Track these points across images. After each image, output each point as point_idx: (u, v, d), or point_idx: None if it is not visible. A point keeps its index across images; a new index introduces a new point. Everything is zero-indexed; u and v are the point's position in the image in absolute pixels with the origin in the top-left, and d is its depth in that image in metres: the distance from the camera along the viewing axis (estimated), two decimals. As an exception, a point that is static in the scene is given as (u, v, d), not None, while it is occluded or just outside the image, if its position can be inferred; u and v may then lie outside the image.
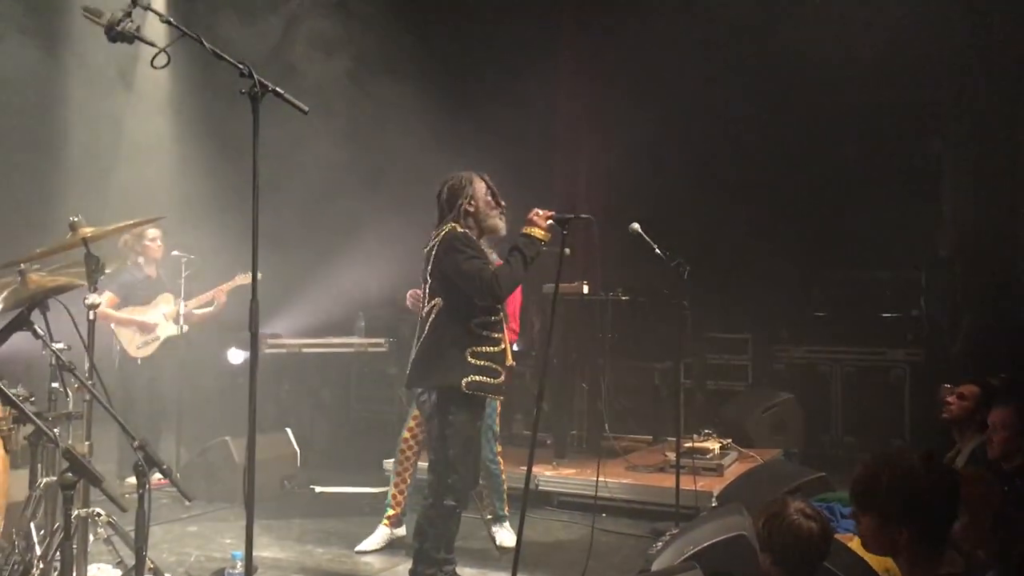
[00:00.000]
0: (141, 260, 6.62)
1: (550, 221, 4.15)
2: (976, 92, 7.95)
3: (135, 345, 6.53)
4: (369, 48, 8.21)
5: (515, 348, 5.10)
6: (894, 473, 2.54)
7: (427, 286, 4.23)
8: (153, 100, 8.07)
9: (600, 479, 5.94)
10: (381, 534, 5.25)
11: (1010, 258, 7.85)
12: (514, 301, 5.54)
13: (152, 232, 6.60)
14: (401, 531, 5.25)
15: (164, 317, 6.59)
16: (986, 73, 7.76)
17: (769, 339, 8.66)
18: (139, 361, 6.53)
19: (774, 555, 2.87)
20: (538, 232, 4.14)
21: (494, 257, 4.40)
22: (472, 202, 4.22)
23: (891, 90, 8.17)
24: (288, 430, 6.78)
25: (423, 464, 4.61)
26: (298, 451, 6.73)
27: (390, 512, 5.28)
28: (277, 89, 3.56)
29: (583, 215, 4.18)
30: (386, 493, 6.28)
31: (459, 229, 4.16)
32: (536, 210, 4.19)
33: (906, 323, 8.31)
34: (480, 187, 4.25)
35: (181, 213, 6.95)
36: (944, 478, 2.55)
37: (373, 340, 8.00)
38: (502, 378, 4.22)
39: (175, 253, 6.58)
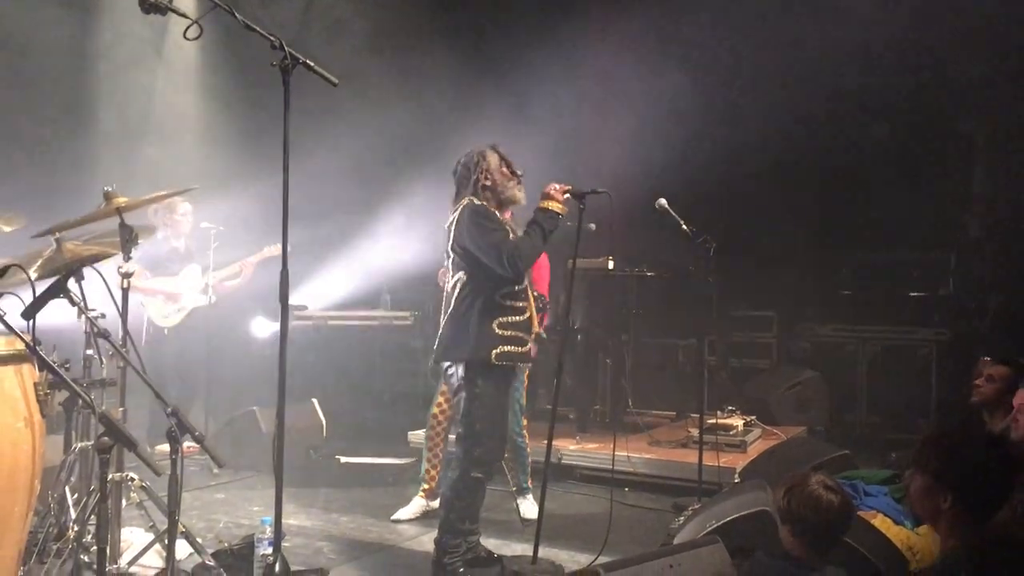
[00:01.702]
0: (169, 232, 6.69)
1: (567, 195, 4.19)
2: (1010, 70, 7.83)
3: (161, 315, 6.61)
4: (395, 21, 8.20)
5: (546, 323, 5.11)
6: (955, 439, 2.58)
7: (450, 261, 4.25)
8: (184, 71, 8.12)
9: (623, 454, 6.00)
10: (417, 505, 5.33)
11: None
12: (543, 277, 5.56)
13: (183, 207, 6.68)
14: (436, 503, 5.31)
15: (190, 288, 6.66)
16: (1020, 51, 7.63)
17: (795, 317, 8.63)
18: (166, 331, 6.62)
19: (793, 526, 2.89)
20: (555, 206, 4.17)
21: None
22: (488, 175, 4.22)
23: (923, 67, 8.06)
24: (314, 401, 6.86)
25: (453, 438, 4.65)
26: (324, 422, 6.81)
27: (425, 486, 5.35)
28: (308, 62, 3.59)
29: (600, 189, 4.19)
30: (411, 465, 6.40)
31: (477, 202, 4.18)
32: (553, 184, 4.21)
33: (934, 303, 8.25)
34: (493, 159, 4.25)
35: (210, 185, 6.99)
36: (1002, 458, 2.55)
37: (398, 313, 8.07)
38: (528, 346, 4.26)
39: (204, 225, 6.64)
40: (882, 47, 7.83)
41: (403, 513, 5.30)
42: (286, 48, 3.49)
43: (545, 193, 4.19)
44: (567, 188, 4.18)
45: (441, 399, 5.25)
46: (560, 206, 4.17)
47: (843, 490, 2.93)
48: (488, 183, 4.22)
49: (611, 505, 4.92)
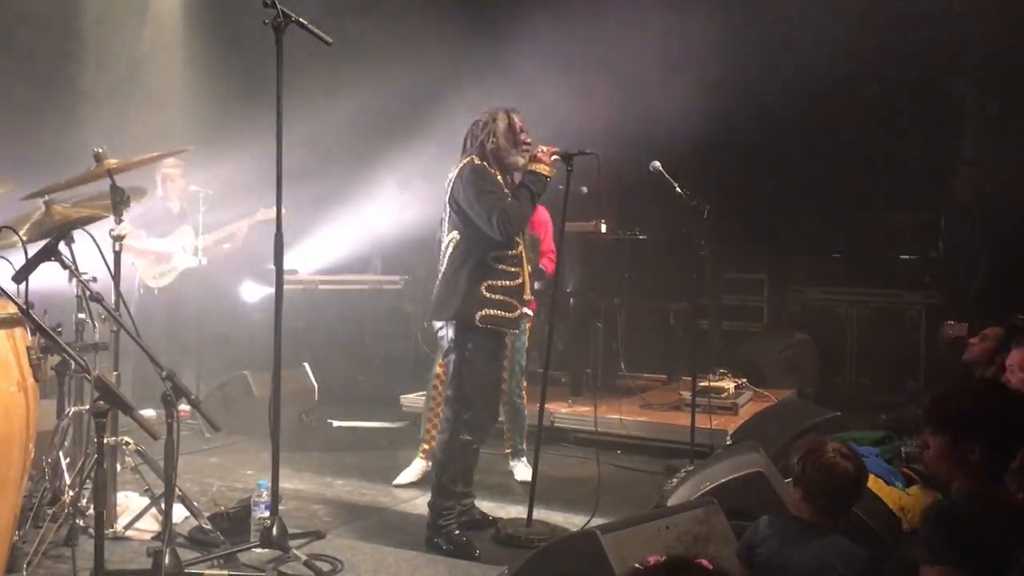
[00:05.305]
0: (161, 193, 6.65)
1: (555, 157, 4.20)
2: (1002, 33, 7.78)
3: (151, 275, 6.58)
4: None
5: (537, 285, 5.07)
6: (970, 392, 2.61)
7: (446, 219, 4.24)
8: (170, 31, 8.00)
9: (615, 417, 6.02)
10: (417, 467, 5.33)
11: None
12: (548, 232, 5.54)
13: (174, 171, 6.62)
14: None
15: (181, 248, 6.62)
16: (1014, 13, 7.59)
17: (786, 280, 8.65)
18: (156, 291, 6.59)
19: (806, 490, 2.89)
20: (543, 168, 4.18)
21: None
22: (493, 139, 4.22)
23: (916, 28, 8.01)
24: (306, 365, 6.84)
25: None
26: (316, 386, 6.80)
27: (424, 447, 5.34)
28: (300, 20, 3.54)
29: (587, 151, 4.22)
30: (404, 428, 6.42)
31: (477, 162, 4.17)
32: (540, 147, 4.23)
33: (923, 265, 8.28)
34: (503, 123, 4.24)
35: (199, 147, 6.92)
36: (1013, 395, 2.58)
37: (389, 277, 8.05)
38: (517, 313, 4.24)
39: (193, 188, 6.60)
40: (875, 7, 7.77)
41: (404, 476, 5.28)
42: (278, 6, 3.44)
43: (533, 156, 4.21)
44: (554, 150, 4.21)
45: (442, 359, 5.23)
46: (548, 168, 4.19)
47: (859, 458, 2.92)
48: (491, 145, 4.21)
49: (599, 467, 4.93)
